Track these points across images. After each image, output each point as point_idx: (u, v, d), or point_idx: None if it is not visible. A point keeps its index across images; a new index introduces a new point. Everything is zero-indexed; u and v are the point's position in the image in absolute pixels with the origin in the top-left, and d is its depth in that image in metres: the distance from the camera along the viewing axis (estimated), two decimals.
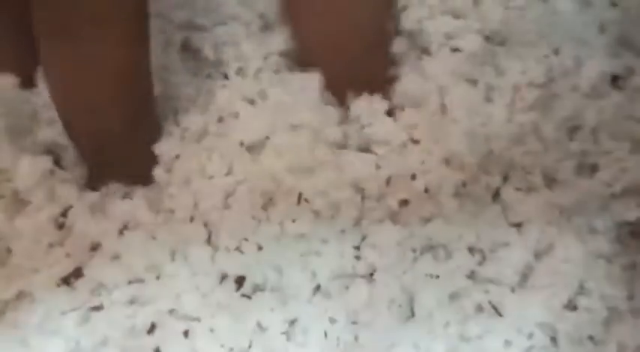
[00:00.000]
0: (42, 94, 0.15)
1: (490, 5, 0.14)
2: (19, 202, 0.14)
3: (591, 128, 0.13)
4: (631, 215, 0.13)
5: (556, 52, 0.13)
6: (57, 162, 0.14)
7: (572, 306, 0.12)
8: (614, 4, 0.15)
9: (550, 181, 0.13)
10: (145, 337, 0.13)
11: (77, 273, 0.13)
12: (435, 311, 0.12)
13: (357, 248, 0.13)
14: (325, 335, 0.12)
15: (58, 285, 0.13)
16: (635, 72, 0.13)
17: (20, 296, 0.13)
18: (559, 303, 0.12)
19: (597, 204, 0.13)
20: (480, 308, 0.12)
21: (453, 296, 0.12)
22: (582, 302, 0.12)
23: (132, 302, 0.13)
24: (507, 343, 0.12)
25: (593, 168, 0.13)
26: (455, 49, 0.14)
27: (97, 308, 0.13)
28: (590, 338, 0.12)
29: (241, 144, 0.14)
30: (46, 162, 0.14)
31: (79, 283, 0.13)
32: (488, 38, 0.14)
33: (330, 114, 0.14)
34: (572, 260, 0.12)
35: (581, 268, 0.12)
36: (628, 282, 0.12)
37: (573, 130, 0.13)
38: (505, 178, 0.13)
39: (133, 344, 0.12)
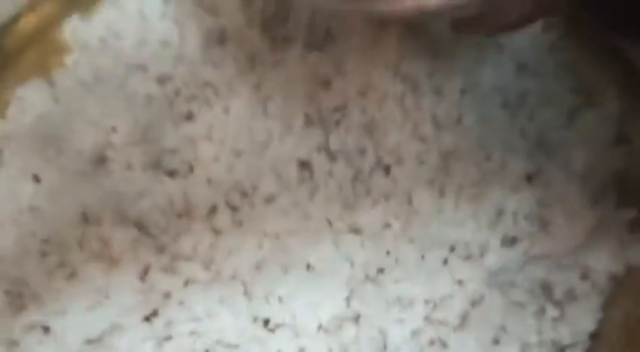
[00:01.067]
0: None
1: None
2: (113, 262, 0.20)
3: (512, 212, 0.18)
4: (541, 273, 0.18)
5: (488, 158, 0.19)
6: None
7: (496, 341, 0.17)
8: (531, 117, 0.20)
9: (484, 250, 0.18)
10: None
11: (155, 313, 0.19)
12: (401, 344, 0.17)
13: (348, 299, 0.18)
14: None
15: (142, 321, 0.19)
16: (544, 170, 0.19)
17: (114, 327, 0.19)
18: (488, 340, 0.17)
19: (516, 266, 0.18)
20: (432, 342, 0.17)
21: (414, 334, 0.17)
22: (503, 338, 0.17)
23: (192, 333, 0.18)
24: None
25: (513, 241, 0.18)
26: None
27: (168, 338, 0.19)
28: None
29: None
30: (134, 232, 0.19)
31: (156, 320, 0.19)
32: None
33: None
34: (497, 307, 0.17)
35: (503, 313, 0.17)
36: (537, 322, 0.17)
37: (499, 214, 0.18)
38: (452, 249, 0.18)
39: None
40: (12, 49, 0.24)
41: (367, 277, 0.17)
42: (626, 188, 0.20)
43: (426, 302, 0.17)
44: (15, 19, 0.24)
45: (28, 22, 0.24)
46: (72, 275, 0.18)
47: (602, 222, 0.19)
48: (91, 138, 0.20)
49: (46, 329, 0.18)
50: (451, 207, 0.18)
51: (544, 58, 0.23)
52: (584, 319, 0.17)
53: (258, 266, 0.18)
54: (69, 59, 0.22)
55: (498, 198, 0.18)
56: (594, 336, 0.17)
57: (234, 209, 0.19)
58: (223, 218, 0.19)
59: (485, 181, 0.18)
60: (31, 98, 0.22)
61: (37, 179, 0.20)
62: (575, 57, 0.22)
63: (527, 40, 0.23)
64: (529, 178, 0.19)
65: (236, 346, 0.18)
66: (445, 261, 0.18)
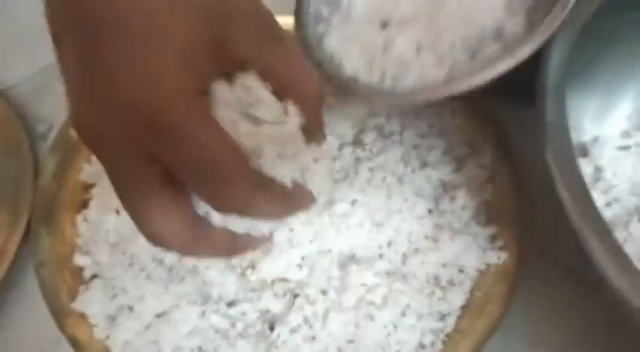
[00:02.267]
0: None
1: None
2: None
3: (417, 233, 0.29)
4: (433, 270, 0.29)
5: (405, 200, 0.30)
6: None
7: (403, 314, 0.28)
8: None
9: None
10: None
11: None
12: None
13: None
14: None
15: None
16: (440, 205, 0.30)
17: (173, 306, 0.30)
18: (397, 314, 0.29)
19: (417, 267, 0.29)
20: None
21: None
22: (408, 312, 0.28)
23: None
24: None
25: (416, 251, 0.29)
26: None
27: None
28: None
29: None
30: None
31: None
32: None
33: None
34: (403, 292, 0.29)
35: (408, 296, 0.29)
36: (429, 300, 0.29)
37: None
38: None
39: None
40: None
41: None
42: (490, 212, 0.31)
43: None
44: None
45: None
46: (148, 277, 0.29)
47: (474, 236, 0.30)
48: None
49: (130, 308, 0.29)
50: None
51: (446, 121, 0.33)
52: (458, 297, 0.29)
53: None
54: None
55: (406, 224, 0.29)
56: (463, 308, 0.29)
57: None
58: None
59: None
60: None
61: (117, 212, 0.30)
62: (466, 118, 0.33)
63: (435, 108, 0.34)
64: (430, 211, 0.30)
65: None
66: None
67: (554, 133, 0.24)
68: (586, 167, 0.31)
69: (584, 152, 0.32)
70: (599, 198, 0.30)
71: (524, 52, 0.24)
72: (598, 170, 0.31)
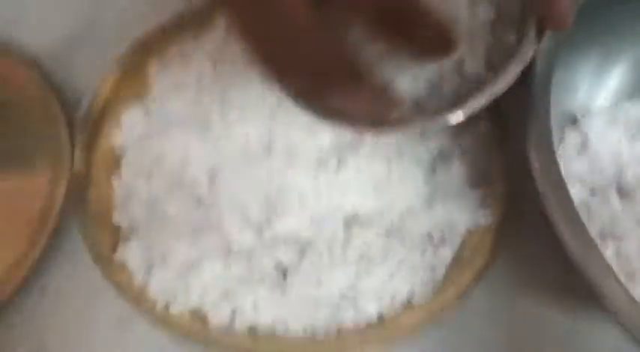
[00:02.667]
0: None
1: None
2: None
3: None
4: (426, 229, 0.33)
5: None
6: None
7: (399, 268, 0.32)
8: None
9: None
10: None
11: None
12: None
13: None
14: None
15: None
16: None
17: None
18: (393, 268, 0.33)
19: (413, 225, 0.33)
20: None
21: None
22: (402, 265, 0.32)
23: None
24: None
25: None
26: None
27: None
28: None
29: None
30: None
31: None
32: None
33: None
34: (399, 249, 0.33)
35: (403, 252, 0.32)
36: (422, 256, 0.33)
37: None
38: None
39: None
40: None
41: None
42: (481, 175, 0.34)
43: None
44: None
45: None
46: (178, 234, 0.33)
47: (465, 199, 0.33)
48: None
49: (164, 259, 0.33)
50: None
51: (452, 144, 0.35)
52: (448, 252, 0.33)
53: None
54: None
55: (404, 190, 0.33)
56: (453, 261, 0.33)
57: None
58: None
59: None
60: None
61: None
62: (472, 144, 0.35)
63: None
64: (426, 177, 0.33)
65: None
66: None
67: (536, 122, 0.27)
68: (575, 137, 0.34)
69: (575, 123, 0.35)
70: (583, 166, 0.33)
71: (478, 104, 0.25)
72: (586, 140, 0.34)
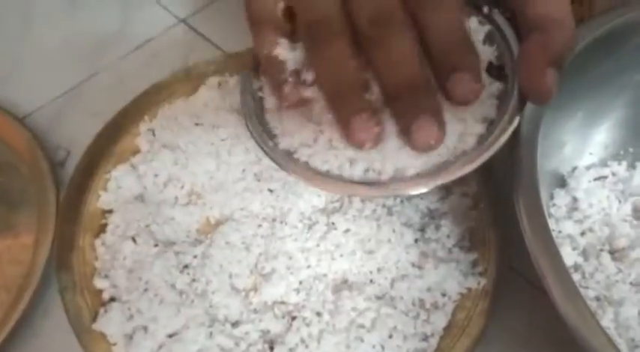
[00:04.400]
0: None
1: None
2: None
3: (405, 261, 0.32)
4: (418, 294, 0.32)
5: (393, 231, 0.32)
6: None
7: (390, 336, 0.31)
8: None
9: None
10: None
11: None
12: None
13: None
14: None
15: None
16: (426, 233, 0.33)
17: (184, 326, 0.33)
18: (385, 335, 0.31)
19: (405, 291, 0.32)
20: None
21: None
22: (395, 333, 0.31)
23: None
24: None
25: (402, 278, 0.32)
26: None
27: None
28: None
29: None
30: None
31: None
32: None
33: None
34: (391, 315, 0.31)
35: (395, 318, 0.31)
36: (414, 321, 0.32)
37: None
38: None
39: None
40: None
41: None
42: (473, 237, 0.34)
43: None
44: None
45: None
46: (161, 301, 0.32)
47: (456, 262, 0.33)
48: None
49: (145, 328, 0.32)
50: None
51: (441, 204, 0.35)
52: (441, 319, 0.31)
53: None
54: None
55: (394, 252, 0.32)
56: (446, 328, 0.31)
57: None
58: None
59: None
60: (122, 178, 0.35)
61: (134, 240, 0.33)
62: (461, 204, 0.35)
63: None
64: (416, 240, 0.33)
65: None
66: None
67: (523, 175, 0.26)
68: (563, 197, 0.34)
69: (563, 183, 0.34)
70: (574, 228, 0.33)
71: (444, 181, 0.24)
72: (574, 200, 0.34)
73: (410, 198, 0.34)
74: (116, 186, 0.36)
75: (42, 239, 0.35)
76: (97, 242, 0.35)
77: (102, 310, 0.32)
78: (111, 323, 0.31)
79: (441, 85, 0.23)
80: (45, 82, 0.44)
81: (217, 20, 0.45)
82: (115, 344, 0.31)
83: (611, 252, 0.32)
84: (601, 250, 0.32)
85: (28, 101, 0.42)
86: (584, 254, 0.32)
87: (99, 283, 0.33)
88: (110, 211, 0.35)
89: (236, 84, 0.38)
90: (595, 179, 0.34)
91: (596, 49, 0.31)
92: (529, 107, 0.26)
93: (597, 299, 0.31)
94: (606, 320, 0.30)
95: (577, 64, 0.30)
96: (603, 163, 0.35)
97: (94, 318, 0.32)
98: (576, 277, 0.31)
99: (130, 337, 0.31)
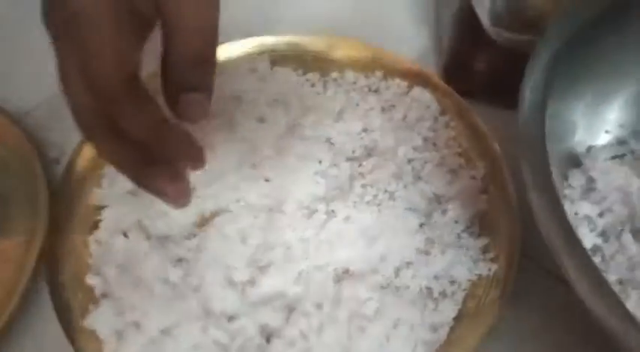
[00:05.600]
0: None
1: None
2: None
3: (410, 246, 0.30)
4: (425, 282, 0.30)
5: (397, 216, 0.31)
6: None
7: (395, 325, 0.29)
8: None
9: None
10: None
11: None
12: None
13: None
14: None
15: None
16: (432, 217, 0.31)
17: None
18: (390, 325, 0.29)
19: (410, 278, 0.30)
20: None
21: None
22: (400, 323, 0.29)
23: None
24: None
25: (408, 265, 0.30)
26: None
27: None
28: None
29: None
30: None
31: None
32: None
33: None
34: (396, 304, 0.29)
35: (400, 307, 0.29)
36: (421, 312, 0.30)
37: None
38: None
39: None
40: None
41: None
42: (483, 222, 0.32)
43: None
44: None
45: None
46: (153, 295, 0.30)
47: (465, 248, 0.31)
48: None
49: (137, 325, 0.31)
50: None
51: (440, 133, 0.34)
52: (450, 308, 0.29)
53: None
54: None
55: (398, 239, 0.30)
56: (456, 318, 0.29)
57: None
58: None
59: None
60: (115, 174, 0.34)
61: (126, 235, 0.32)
62: (460, 131, 0.34)
63: (430, 121, 0.34)
64: (421, 225, 0.31)
65: None
66: None
67: (532, 162, 0.24)
68: (579, 178, 0.32)
69: (577, 163, 0.32)
70: (592, 209, 0.31)
71: None
72: (590, 180, 0.31)
73: (414, 182, 0.32)
74: (110, 182, 0.35)
75: (34, 237, 0.34)
76: (91, 239, 0.33)
77: (92, 306, 0.30)
78: (101, 320, 0.30)
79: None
80: (39, 80, 0.43)
81: None
82: (105, 341, 0.29)
83: (633, 232, 0.29)
84: (622, 230, 0.29)
85: (22, 99, 0.41)
86: (604, 235, 0.30)
87: (91, 280, 0.31)
88: (104, 207, 0.34)
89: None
90: (612, 157, 0.32)
91: (601, 25, 0.29)
92: (533, 83, 0.25)
93: (619, 282, 0.28)
94: (630, 305, 0.27)
95: (584, 39, 0.28)
96: (620, 142, 0.33)
97: (85, 315, 0.30)
98: (596, 260, 0.29)
99: (120, 333, 0.29)
